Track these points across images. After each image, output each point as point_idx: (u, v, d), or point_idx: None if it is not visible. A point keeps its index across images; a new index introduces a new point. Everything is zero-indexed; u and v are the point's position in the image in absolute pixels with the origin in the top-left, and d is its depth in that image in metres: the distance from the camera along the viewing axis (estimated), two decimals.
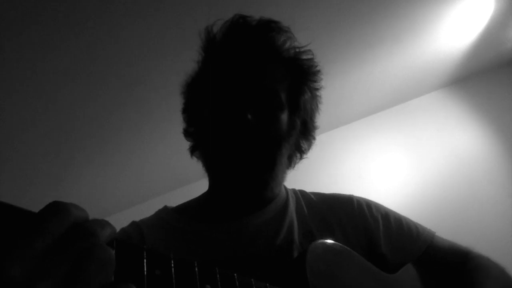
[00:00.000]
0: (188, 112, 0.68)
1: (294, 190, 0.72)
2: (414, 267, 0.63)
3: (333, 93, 2.21)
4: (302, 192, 0.72)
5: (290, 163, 0.69)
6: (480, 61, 2.31)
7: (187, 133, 0.69)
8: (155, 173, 2.39)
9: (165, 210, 0.67)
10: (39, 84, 1.53)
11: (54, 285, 0.21)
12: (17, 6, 1.22)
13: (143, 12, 1.38)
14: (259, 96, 0.58)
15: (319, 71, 0.68)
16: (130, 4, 1.34)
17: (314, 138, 0.70)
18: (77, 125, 1.83)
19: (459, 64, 2.29)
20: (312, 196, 0.70)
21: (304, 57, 0.65)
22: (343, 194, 0.71)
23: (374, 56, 2.01)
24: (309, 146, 0.70)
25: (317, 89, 0.69)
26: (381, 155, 2.41)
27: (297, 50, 0.65)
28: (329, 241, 0.55)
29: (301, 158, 0.70)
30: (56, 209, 0.24)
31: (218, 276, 0.34)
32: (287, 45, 0.65)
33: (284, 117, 0.61)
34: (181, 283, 0.31)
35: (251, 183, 0.58)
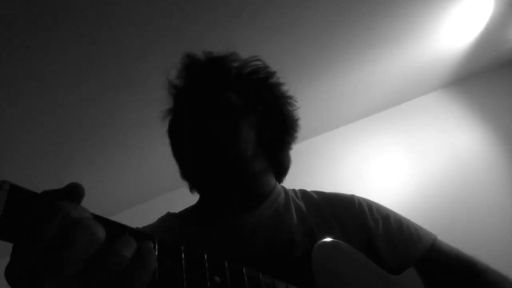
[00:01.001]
0: (175, 155, 0.70)
1: (294, 190, 0.73)
2: (417, 273, 0.62)
3: (334, 93, 2.21)
4: (303, 192, 0.72)
5: (276, 159, 0.70)
6: (480, 61, 2.31)
7: (182, 175, 0.71)
8: (156, 173, 2.39)
9: (167, 216, 0.69)
10: (40, 84, 1.53)
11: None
12: (19, 8, 1.22)
13: (144, 13, 1.38)
14: (218, 114, 0.63)
15: (270, 72, 0.70)
16: (132, 6, 1.34)
17: (295, 130, 0.71)
18: (77, 126, 1.83)
19: (459, 64, 2.29)
20: (314, 195, 0.71)
21: (250, 67, 0.69)
22: (345, 194, 0.71)
23: (374, 56, 2.01)
24: (291, 138, 0.71)
25: (276, 86, 0.71)
26: (381, 155, 2.41)
27: (244, 64, 0.69)
28: (335, 240, 0.55)
29: (283, 148, 0.71)
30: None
31: (227, 268, 0.35)
32: (235, 67, 0.69)
33: (246, 126, 0.64)
34: (191, 274, 0.31)
35: (233, 188, 0.63)
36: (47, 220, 0.25)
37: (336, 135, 2.51)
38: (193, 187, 0.67)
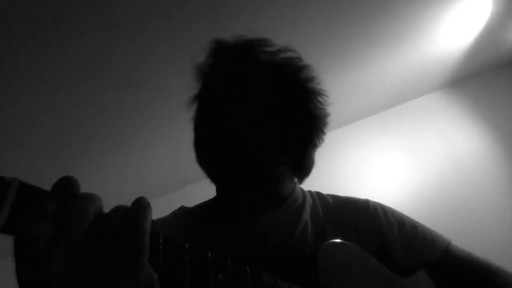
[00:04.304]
0: (195, 145, 0.68)
1: (310, 192, 0.72)
2: (428, 274, 0.62)
3: (333, 93, 2.20)
4: (319, 194, 0.72)
5: (299, 160, 0.68)
6: (479, 61, 2.32)
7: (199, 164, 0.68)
8: (156, 173, 2.39)
9: (181, 210, 0.69)
10: (40, 85, 1.53)
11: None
12: (21, 8, 1.22)
13: (145, 14, 1.38)
14: (245, 112, 0.61)
15: (303, 66, 0.67)
16: (133, 7, 1.34)
17: (322, 131, 0.68)
18: (78, 126, 1.83)
19: (458, 64, 2.30)
20: (329, 198, 0.70)
21: (283, 57, 0.67)
22: (360, 198, 0.71)
23: (374, 56, 2.01)
24: (318, 139, 0.68)
25: (307, 81, 0.67)
26: (381, 155, 2.41)
27: (276, 53, 0.66)
28: (341, 241, 0.55)
29: (307, 149, 0.68)
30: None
31: (230, 267, 0.35)
32: (266, 53, 0.66)
33: (273, 129, 0.62)
34: (194, 271, 0.32)
35: (251, 184, 0.61)
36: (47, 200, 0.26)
37: (336, 136, 2.50)
38: (211, 180, 0.65)
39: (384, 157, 2.40)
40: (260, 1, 1.46)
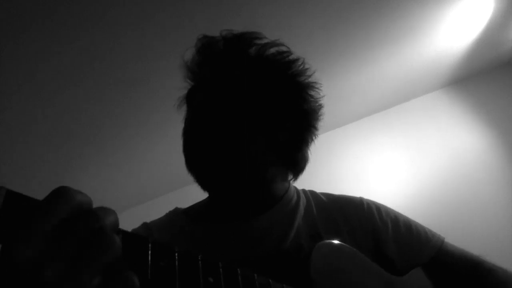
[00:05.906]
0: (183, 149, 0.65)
1: (304, 191, 0.71)
2: (423, 271, 0.62)
3: (333, 93, 2.21)
4: (312, 193, 0.71)
5: (292, 159, 0.65)
6: (479, 61, 2.32)
7: (188, 169, 0.65)
8: (154, 174, 2.39)
9: (175, 211, 0.68)
10: (38, 86, 1.53)
11: (61, 265, 0.23)
12: (17, 8, 1.22)
13: (142, 14, 1.38)
14: (231, 116, 0.59)
15: (293, 60, 0.64)
16: (130, 6, 1.34)
17: (314, 128, 0.65)
18: (76, 127, 1.83)
19: (458, 64, 2.30)
20: (323, 197, 0.70)
21: (273, 52, 0.63)
22: (353, 196, 0.71)
23: (374, 57, 2.01)
24: (311, 135, 0.66)
25: (297, 76, 0.64)
26: (381, 155, 2.41)
27: (266, 47, 0.63)
28: (335, 241, 0.55)
29: (300, 148, 0.65)
30: (60, 192, 0.25)
31: (221, 269, 0.35)
32: (255, 48, 0.63)
33: (260, 132, 0.60)
34: (184, 275, 0.31)
35: (243, 191, 0.60)
36: (53, 203, 0.24)
37: (335, 136, 2.51)
38: (201, 187, 0.63)
39: (384, 157, 2.40)
40: (259, 2, 1.46)
